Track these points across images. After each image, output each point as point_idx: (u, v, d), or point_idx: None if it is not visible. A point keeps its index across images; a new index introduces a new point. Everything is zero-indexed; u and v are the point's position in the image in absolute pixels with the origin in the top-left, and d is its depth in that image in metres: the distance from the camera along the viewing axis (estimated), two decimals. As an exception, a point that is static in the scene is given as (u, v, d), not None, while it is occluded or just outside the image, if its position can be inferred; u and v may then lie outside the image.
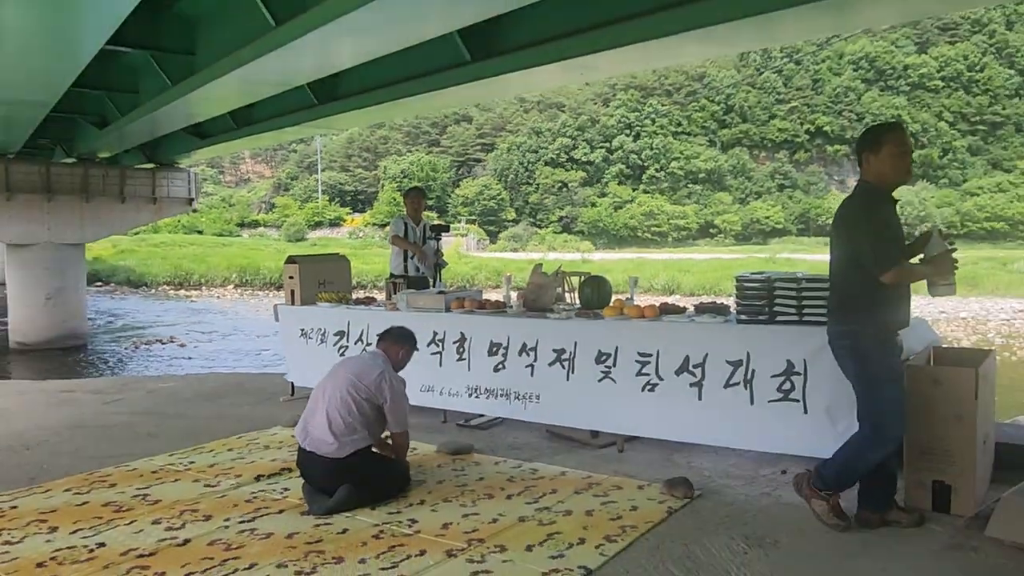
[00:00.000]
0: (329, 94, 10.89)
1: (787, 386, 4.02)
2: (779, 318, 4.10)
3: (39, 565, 3.18)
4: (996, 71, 60.01)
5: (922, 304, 28.08)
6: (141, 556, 3.25)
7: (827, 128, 60.68)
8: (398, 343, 4.28)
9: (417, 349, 4.42)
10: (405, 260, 6.96)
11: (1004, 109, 59.32)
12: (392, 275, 6.91)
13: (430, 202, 62.84)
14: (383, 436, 4.20)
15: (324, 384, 4.10)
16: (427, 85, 9.19)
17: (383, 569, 3.06)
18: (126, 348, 21.38)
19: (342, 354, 6.12)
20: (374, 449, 4.07)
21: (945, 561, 3.07)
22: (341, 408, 3.91)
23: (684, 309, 4.91)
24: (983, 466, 3.63)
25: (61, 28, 8.00)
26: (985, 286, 33.63)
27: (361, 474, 3.86)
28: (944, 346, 4.28)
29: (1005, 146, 58.71)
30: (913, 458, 3.57)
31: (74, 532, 3.54)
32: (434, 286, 6.82)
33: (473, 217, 61.11)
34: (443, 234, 7.07)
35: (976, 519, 3.35)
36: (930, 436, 3.51)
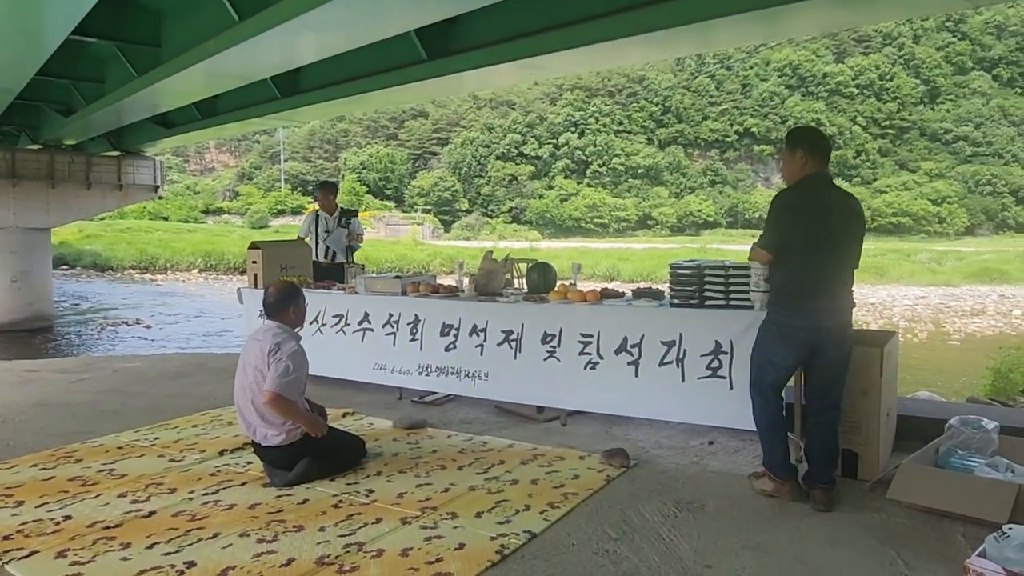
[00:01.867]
0: (292, 88, 10.65)
1: (715, 364, 4.09)
2: (708, 302, 4.17)
3: (5, 537, 3.06)
4: (904, 80, 61.97)
5: (836, 290, 28.95)
6: (107, 528, 3.15)
7: (754, 129, 61.86)
8: (283, 305, 3.88)
9: (304, 298, 4.01)
10: (316, 248, 7.14)
11: (910, 115, 61.36)
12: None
13: (388, 192, 62.52)
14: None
15: (238, 381, 3.83)
16: (385, 81, 9.06)
17: (341, 536, 3.04)
18: (92, 330, 20.66)
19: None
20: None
21: (851, 520, 3.19)
22: (260, 397, 3.68)
23: (623, 294, 4.96)
24: (886, 436, 3.78)
25: (25, 17, 7.63)
26: (891, 275, 34.89)
27: (316, 450, 3.77)
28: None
29: (911, 148, 60.80)
30: (825, 429, 3.69)
31: (40, 506, 3.42)
32: (344, 264, 6.96)
33: (428, 207, 60.64)
34: (352, 218, 7.30)
35: (879, 483, 3.49)
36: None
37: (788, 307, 3.33)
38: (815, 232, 3.25)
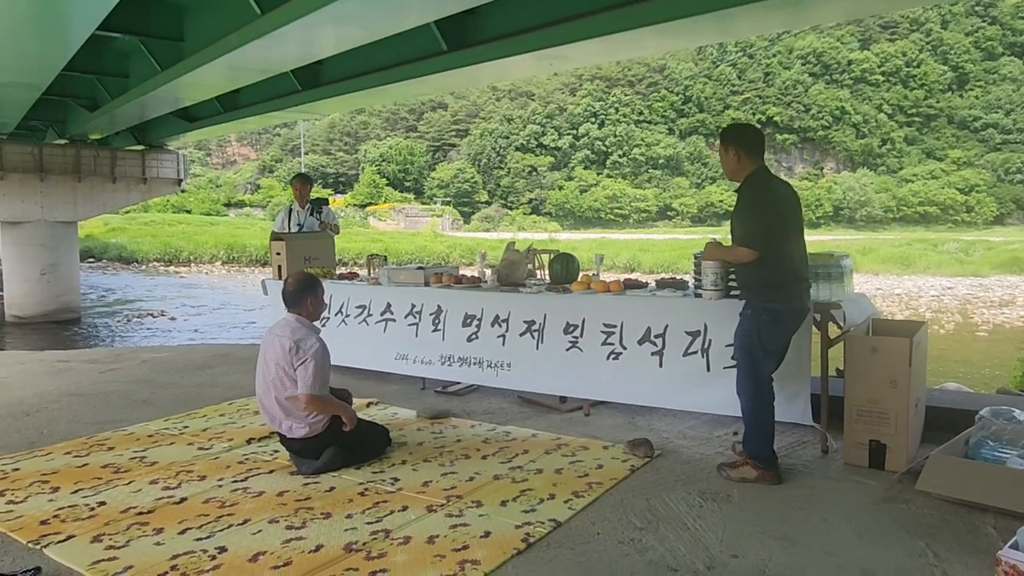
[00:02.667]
0: (312, 81, 10.70)
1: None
2: (733, 292, 4.15)
3: (43, 522, 3.14)
4: (931, 67, 60.89)
5: (861, 281, 28.69)
6: (140, 513, 3.22)
7: (777, 118, 61.19)
8: (301, 296, 3.89)
9: (322, 289, 4.00)
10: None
11: (938, 103, 60.31)
12: None
13: (408, 184, 62.74)
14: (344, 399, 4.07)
15: (259, 376, 3.86)
16: (405, 73, 9.07)
17: (368, 523, 3.08)
18: (119, 321, 21.00)
19: (323, 325, 6.10)
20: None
21: (880, 512, 3.16)
22: (281, 395, 3.73)
23: (646, 284, 4.95)
24: (915, 427, 3.74)
25: (51, 14, 7.74)
26: (917, 265, 34.39)
27: (341, 440, 3.82)
28: (882, 318, 4.38)
29: (938, 137, 59.78)
30: (852, 419, 3.67)
31: (75, 492, 3.50)
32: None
33: (448, 199, 60.79)
34: (324, 207, 7.16)
35: (908, 475, 3.46)
36: (868, 399, 3.60)
37: (778, 295, 3.45)
38: (786, 222, 3.46)
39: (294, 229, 7.00)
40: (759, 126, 61.60)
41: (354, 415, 3.90)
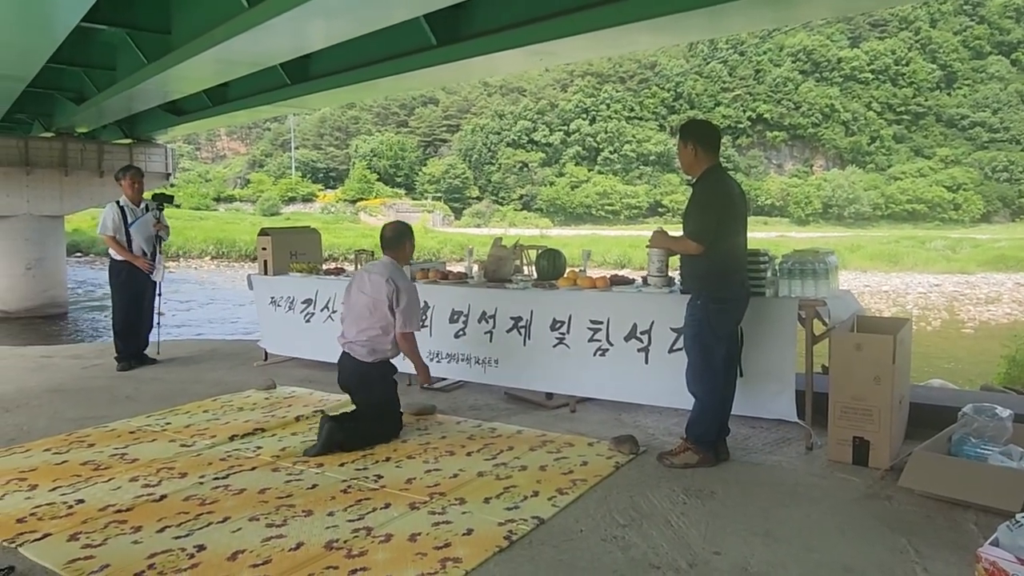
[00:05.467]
0: (302, 74, 10.63)
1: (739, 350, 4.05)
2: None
3: (19, 520, 3.09)
4: (920, 65, 61.09)
5: (849, 278, 28.85)
6: (119, 511, 3.18)
7: (767, 115, 61.25)
8: (400, 240, 4.41)
9: (414, 236, 4.54)
10: (130, 245, 6.40)
11: (926, 100, 60.52)
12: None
13: (399, 179, 62.54)
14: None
15: (348, 297, 4.38)
16: (395, 68, 9.02)
17: (350, 521, 3.05)
18: (105, 316, 20.81)
19: (308, 321, 6.06)
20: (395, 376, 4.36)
21: (863, 508, 3.16)
22: (367, 317, 4.19)
23: (633, 280, 4.93)
24: (898, 424, 3.75)
25: (35, 5, 7.64)
26: (905, 262, 34.60)
27: (372, 391, 4.16)
28: (867, 315, 4.38)
29: (926, 135, 60.02)
30: (836, 416, 3.67)
31: (53, 489, 3.46)
32: (154, 259, 6.48)
33: (439, 194, 60.58)
34: (166, 204, 6.64)
35: (891, 471, 3.46)
36: (852, 396, 3.60)
37: (724, 284, 3.62)
38: (735, 217, 3.63)
39: (132, 227, 6.36)
40: (750, 122, 61.37)
41: (428, 374, 4.51)
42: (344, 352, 4.33)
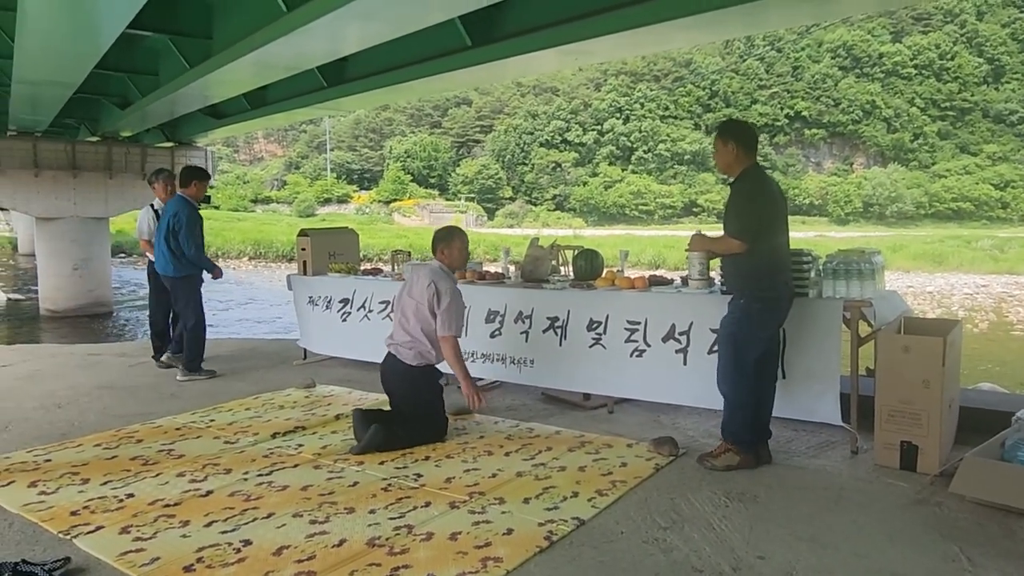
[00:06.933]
0: (337, 77, 10.75)
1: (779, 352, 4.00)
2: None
3: (73, 513, 3.19)
4: (966, 59, 59.47)
5: (892, 278, 28.19)
6: (167, 506, 3.26)
7: (805, 113, 60.26)
8: (442, 243, 4.38)
9: (465, 244, 4.46)
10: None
11: (972, 96, 58.90)
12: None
13: (432, 180, 62.96)
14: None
15: (398, 300, 4.41)
16: (429, 69, 9.06)
17: (391, 519, 3.08)
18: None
19: (344, 320, 6.13)
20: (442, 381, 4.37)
21: (911, 514, 3.09)
22: (412, 320, 4.21)
23: (672, 281, 4.90)
24: (948, 428, 3.66)
25: (83, 13, 7.85)
26: (950, 263, 33.69)
27: (416, 395, 4.16)
28: (914, 316, 4.28)
29: (972, 131, 58.40)
30: (883, 419, 3.60)
31: (104, 483, 3.56)
32: None
33: (472, 195, 60.85)
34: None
35: (941, 477, 3.38)
36: (899, 399, 3.53)
37: (770, 284, 3.57)
38: (777, 216, 3.61)
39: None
40: (788, 120, 60.41)
41: (472, 388, 4.24)
42: (389, 353, 4.33)
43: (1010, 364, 15.10)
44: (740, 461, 3.64)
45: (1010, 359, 15.85)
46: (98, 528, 3.03)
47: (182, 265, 6.10)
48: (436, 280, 4.21)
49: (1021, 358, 15.73)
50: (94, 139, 19.60)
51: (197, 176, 6.30)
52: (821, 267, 3.95)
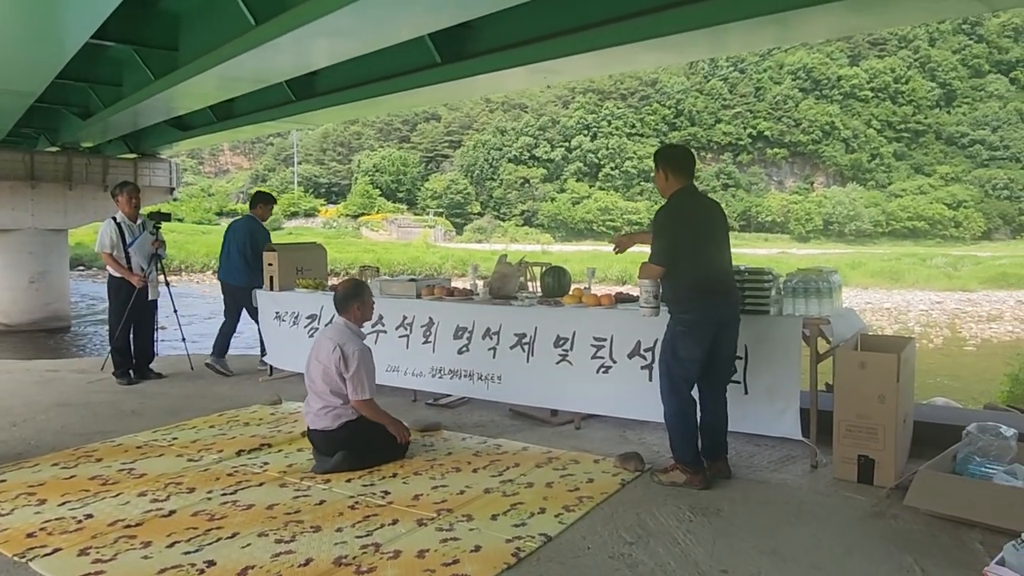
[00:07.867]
0: (306, 91, 10.73)
1: (731, 369, 4.09)
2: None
3: (29, 535, 3.11)
4: (919, 83, 61.55)
5: (850, 295, 28.84)
6: (128, 526, 3.19)
7: (767, 132, 61.62)
8: (347, 303, 4.19)
9: (371, 296, 4.29)
10: (129, 262, 6.36)
11: (926, 118, 60.92)
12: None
13: (400, 195, 62.79)
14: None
15: (307, 364, 4.17)
16: (399, 85, 9.11)
17: (358, 537, 3.06)
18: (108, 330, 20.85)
19: (311, 336, 6.07)
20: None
21: (868, 527, 3.18)
22: (320, 384, 4.01)
23: (637, 298, 4.95)
24: (903, 442, 3.76)
25: (46, 22, 7.72)
26: (906, 280, 34.65)
27: (354, 444, 3.95)
28: (870, 333, 4.41)
29: (926, 152, 60.35)
30: (841, 434, 3.69)
31: (62, 504, 3.47)
32: (147, 279, 6.44)
33: (441, 210, 60.83)
34: (164, 221, 6.64)
35: (896, 490, 3.47)
36: (856, 414, 3.62)
37: (696, 306, 3.59)
38: (698, 235, 3.60)
39: (131, 245, 6.34)
40: (751, 139, 61.58)
41: (403, 429, 4.15)
42: (309, 428, 4.09)
43: (963, 379, 15.55)
44: (687, 480, 3.63)
45: (963, 374, 16.32)
46: (55, 550, 2.96)
47: (255, 276, 6.69)
48: (342, 343, 3.99)
49: (973, 373, 16.21)
50: (53, 149, 19.18)
51: (263, 200, 7.19)
52: (781, 286, 4.05)
